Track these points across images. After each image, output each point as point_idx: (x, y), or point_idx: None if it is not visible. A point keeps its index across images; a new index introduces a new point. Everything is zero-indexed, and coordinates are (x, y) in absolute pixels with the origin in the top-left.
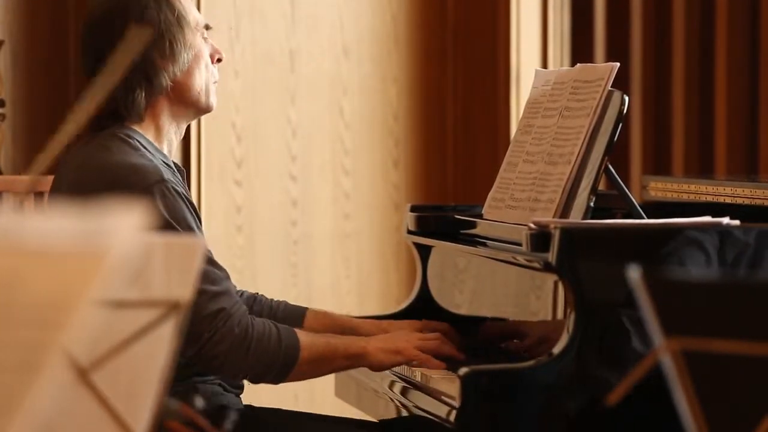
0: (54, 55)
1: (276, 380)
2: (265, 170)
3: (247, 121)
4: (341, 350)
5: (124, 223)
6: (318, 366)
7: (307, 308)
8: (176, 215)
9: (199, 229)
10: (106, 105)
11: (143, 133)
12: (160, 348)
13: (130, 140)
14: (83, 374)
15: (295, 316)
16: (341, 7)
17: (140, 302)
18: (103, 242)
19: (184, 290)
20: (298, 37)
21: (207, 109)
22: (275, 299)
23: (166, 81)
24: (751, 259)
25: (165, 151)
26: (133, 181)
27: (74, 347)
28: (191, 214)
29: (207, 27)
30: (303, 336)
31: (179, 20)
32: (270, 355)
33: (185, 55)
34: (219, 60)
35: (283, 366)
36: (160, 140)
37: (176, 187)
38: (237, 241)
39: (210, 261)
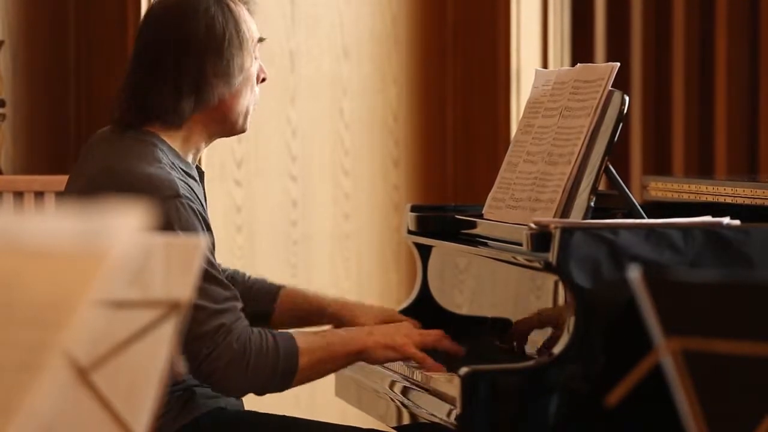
0: (54, 55)
1: (279, 389)
2: (265, 170)
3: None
4: (341, 349)
5: (124, 224)
6: (319, 368)
7: (282, 286)
8: (189, 231)
9: (211, 247)
10: (147, 105)
11: (170, 141)
12: (160, 348)
13: (154, 147)
14: (83, 374)
15: (268, 294)
16: (341, 7)
17: (140, 302)
18: (103, 242)
19: (184, 290)
20: (298, 38)
21: (241, 131)
22: (253, 277)
23: (214, 98)
24: (752, 259)
25: (189, 159)
26: (149, 193)
27: (74, 347)
28: (204, 230)
29: (260, 39)
30: (301, 341)
31: (242, 43)
32: (269, 367)
33: (238, 78)
34: (263, 80)
35: (284, 375)
36: (186, 149)
37: (191, 204)
38: (237, 241)
39: (214, 280)
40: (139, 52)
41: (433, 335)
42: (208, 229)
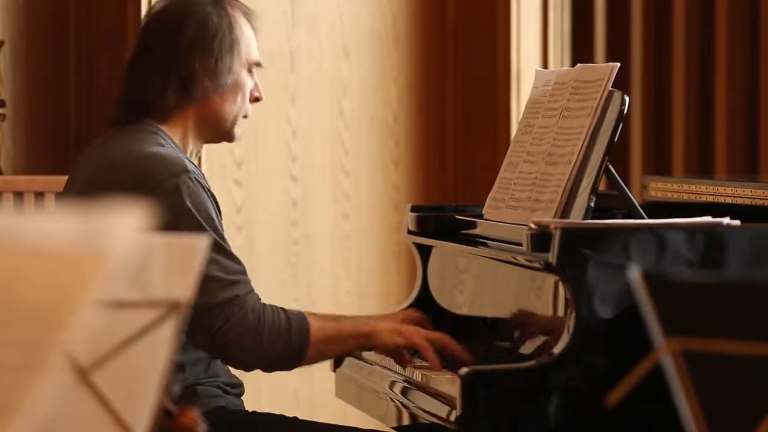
0: (54, 55)
1: (289, 366)
2: (265, 170)
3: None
4: (350, 330)
5: (124, 224)
6: (329, 347)
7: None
8: (199, 206)
9: (220, 220)
10: (136, 96)
11: (170, 133)
12: (160, 348)
13: (157, 135)
14: (83, 374)
15: None
16: (341, 7)
17: (140, 302)
18: (103, 242)
19: (184, 290)
20: (298, 37)
21: (228, 138)
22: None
23: (198, 93)
24: (752, 259)
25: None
26: (158, 171)
27: (74, 347)
28: (213, 205)
29: (258, 64)
30: (312, 319)
31: (232, 45)
32: (282, 342)
33: (225, 78)
34: (257, 99)
35: (295, 351)
36: (184, 146)
37: (199, 179)
38: (237, 241)
39: (225, 252)
40: (137, 48)
41: (439, 335)
42: (216, 204)
